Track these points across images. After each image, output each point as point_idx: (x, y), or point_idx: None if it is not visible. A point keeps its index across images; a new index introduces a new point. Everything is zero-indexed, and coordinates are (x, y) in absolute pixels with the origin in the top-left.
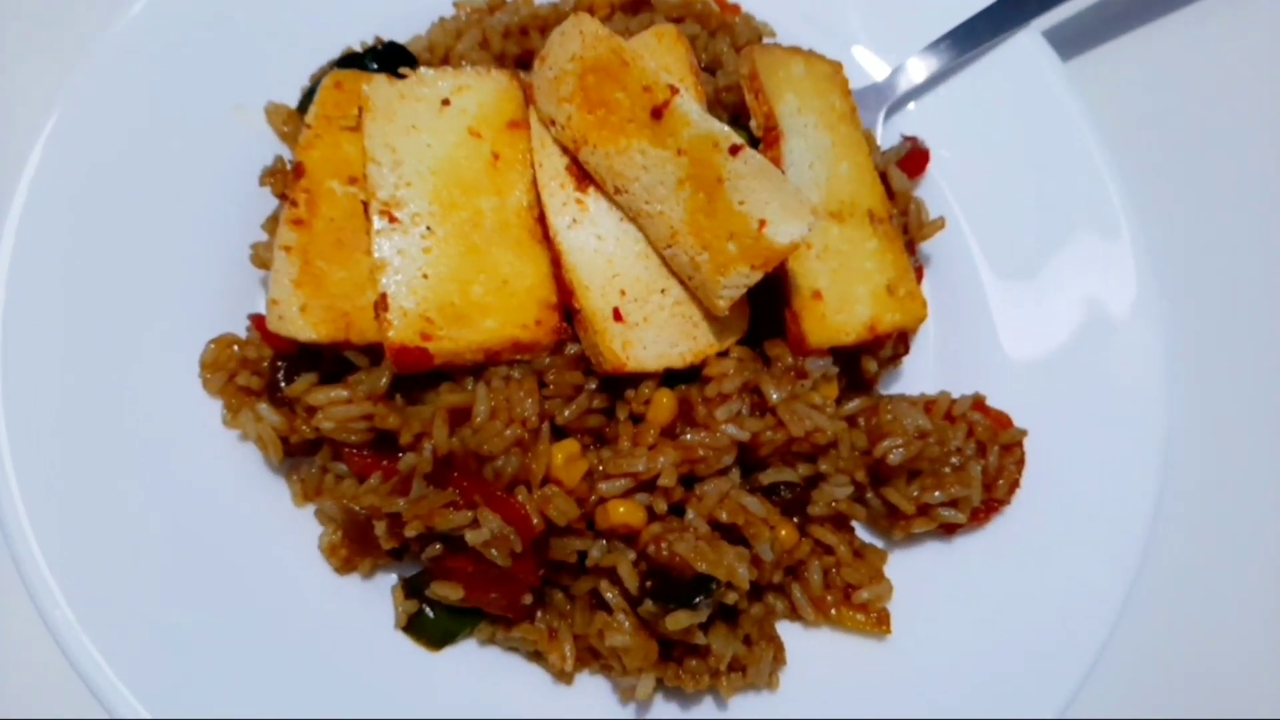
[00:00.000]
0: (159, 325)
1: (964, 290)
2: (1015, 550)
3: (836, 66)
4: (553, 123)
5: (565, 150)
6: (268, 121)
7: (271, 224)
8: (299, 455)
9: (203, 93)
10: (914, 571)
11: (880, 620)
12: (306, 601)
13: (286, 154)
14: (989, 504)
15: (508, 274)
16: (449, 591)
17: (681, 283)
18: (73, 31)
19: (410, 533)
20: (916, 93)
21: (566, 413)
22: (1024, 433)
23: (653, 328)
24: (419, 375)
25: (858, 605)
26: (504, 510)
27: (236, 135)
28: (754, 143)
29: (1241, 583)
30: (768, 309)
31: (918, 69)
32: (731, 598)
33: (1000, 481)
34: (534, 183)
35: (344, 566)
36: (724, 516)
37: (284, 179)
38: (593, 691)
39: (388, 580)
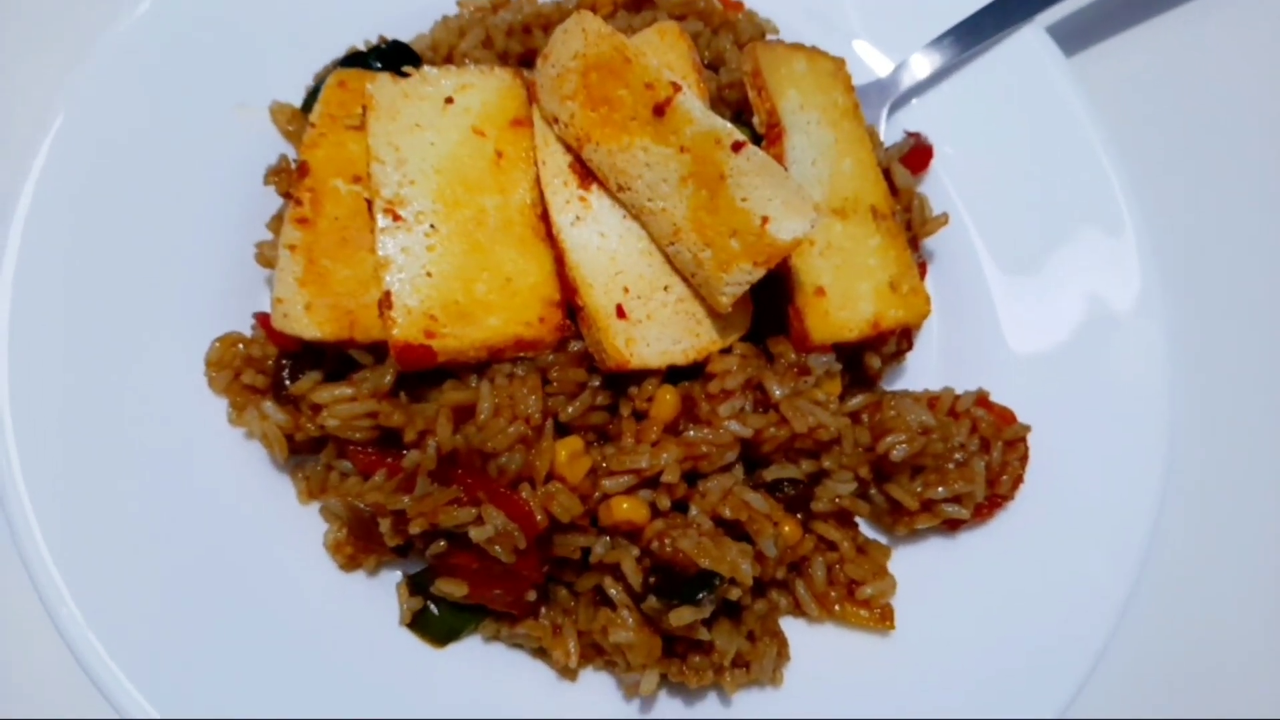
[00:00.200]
0: (164, 324)
1: (967, 286)
2: (1018, 546)
3: (839, 63)
4: (556, 120)
5: (568, 148)
6: (272, 120)
7: (276, 223)
8: (304, 453)
9: (207, 92)
10: (917, 567)
11: (884, 616)
12: (311, 599)
13: (291, 153)
14: (992, 500)
15: (511, 272)
16: (453, 588)
17: (684, 280)
18: (75, 31)
19: (414, 530)
20: (920, 89)
21: (570, 410)
22: (1027, 428)
23: (656, 325)
24: (423, 373)
25: (861, 601)
26: (508, 507)
27: (241, 134)
28: (757, 140)
29: (1245, 580)
30: (771, 305)
31: (921, 65)
32: (735, 594)
33: (1004, 477)
34: (537, 180)
35: (349, 564)
36: (727, 513)
37: (288, 178)
38: (597, 688)
39: (392, 577)
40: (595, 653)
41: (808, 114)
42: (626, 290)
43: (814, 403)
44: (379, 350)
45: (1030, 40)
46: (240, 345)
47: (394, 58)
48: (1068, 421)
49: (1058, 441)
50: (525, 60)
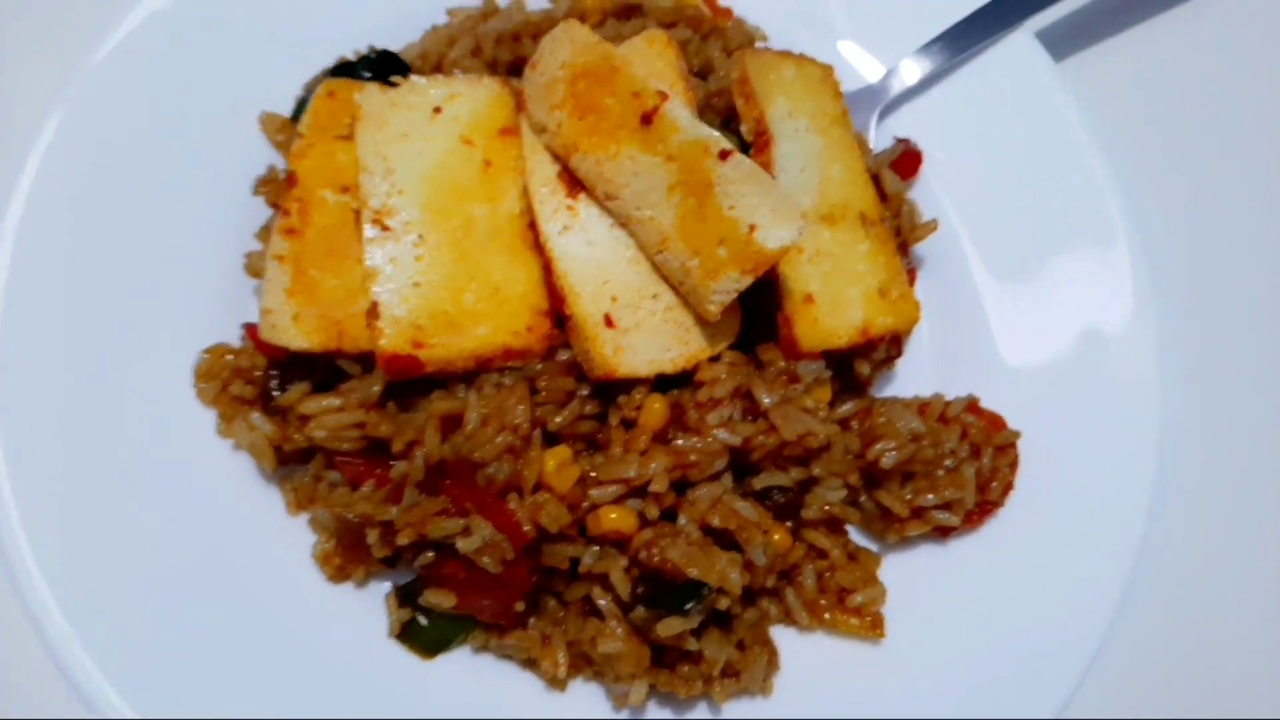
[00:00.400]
0: (153, 334)
1: (958, 292)
2: (1009, 553)
3: (828, 70)
4: (544, 129)
5: (556, 157)
6: (262, 130)
7: (265, 233)
8: (292, 464)
9: (197, 102)
10: (908, 575)
11: (874, 624)
12: (300, 610)
13: (280, 163)
14: (983, 506)
15: (499, 281)
16: (441, 599)
17: (673, 288)
18: (67, 42)
19: (402, 541)
20: (909, 95)
21: (558, 419)
22: (1018, 435)
23: (644, 333)
24: (411, 383)
25: (852, 609)
26: (496, 517)
27: (231, 144)
28: (745, 148)
29: (1238, 587)
30: (759, 313)
31: (911, 71)
32: (724, 603)
33: (994, 484)
34: (525, 189)
35: (337, 575)
36: (716, 521)
37: (277, 188)
38: (586, 698)
39: (381, 588)
40: (585, 663)
41: (796, 121)
42: (614, 299)
43: (803, 410)
44: (367, 360)
45: (1020, 45)
46: (229, 356)
47: (383, 67)
48: (1059, 427)
49: (1048, 447)
50: (514, 69)
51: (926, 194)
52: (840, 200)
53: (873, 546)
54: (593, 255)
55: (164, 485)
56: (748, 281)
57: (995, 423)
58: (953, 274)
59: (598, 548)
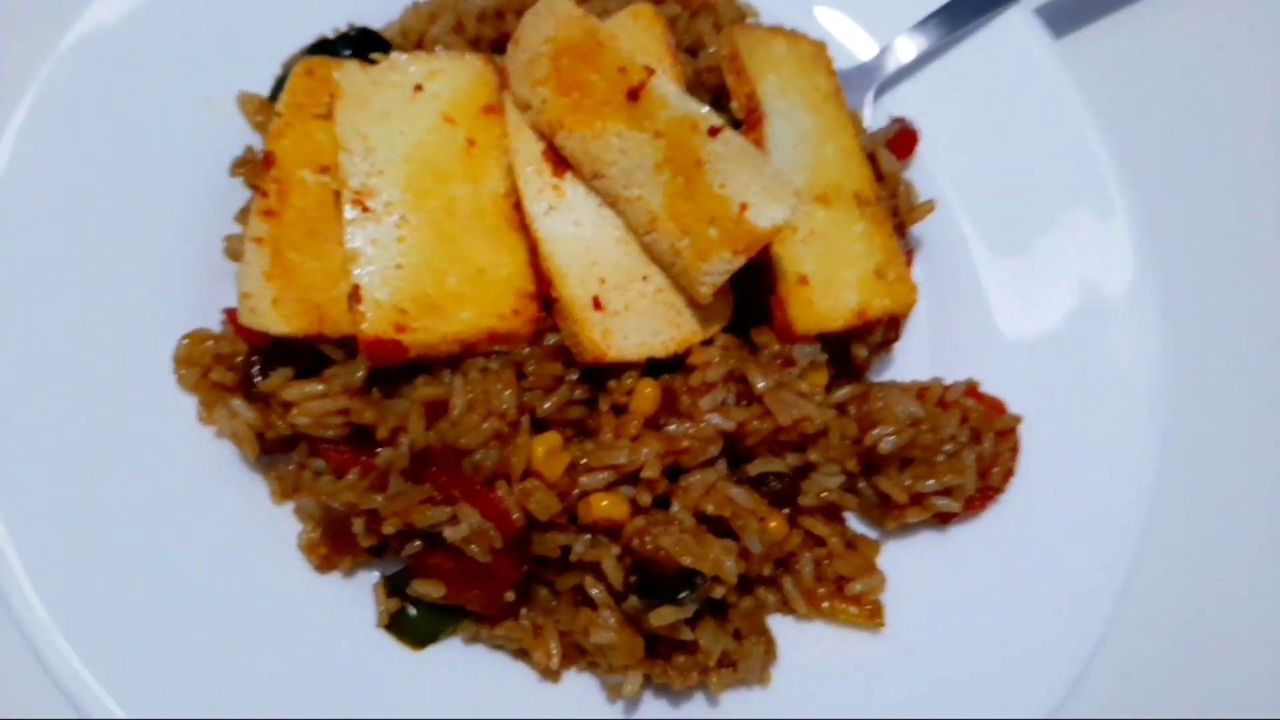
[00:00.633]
0: (131, 320)
1: (956, 274)
2: (1010, 540)
3: (820, 46)
4: (527, 107)
5: (541, 135)
6: (240, 111)
7: (244, 216)
8: (277, 452)
9: (174, 83)
10: (907, 562)
11: (873, 613)
12: (286, 601)
13: (260, 144)
14: (983, 492)
15: (484, 263)
16: (430, 589)
17: (663, 270)
18: (39, 22)
19: (388, 530)
20: (905, 72)
21: (547, 405)
22: (1018, 419)
23: (634, 316)
24: (396, 368)
25: (850, 598)
26: (483, 505)
27: (209, 126)
28: (736, 125)
29: (1241, 573)
30: (753, 295)
31: (906, 48)
32: (719, 592)
33: (995, 469)
34: (510, 169)
35: (324, 565)
36: (710, 509)
37: (255, 169)
38: (579, 690)
39: (369, 578)
40: (578, 653)
41: (788, 98)
42: (603, 281)
43: (799, 394)
44: (350, 345)
45: (1018, 22)
46: (209, 342)
47: (363, 45)
48: (1060, 412)
49: (1050, 432)
50: (498, 46)
51: (924, 174)
52: (835, 180)
53: (871, 534)
54: (580, 236)
55: (145, 474)
56: (740, 262)
57: (996, 407)
58: (951, 255)
59: (589, 536)
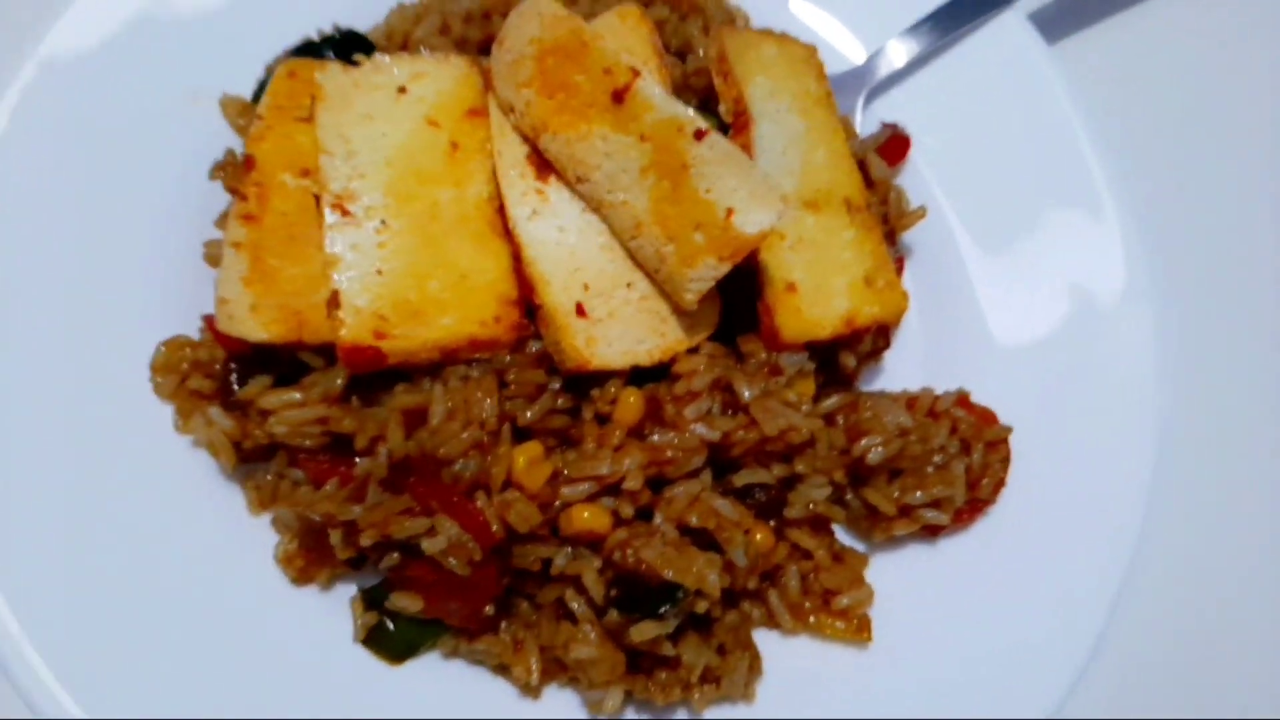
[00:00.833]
0: (108, 326)
1: (947, 282)
2: (1001, 553)
3: (811, 50)
4: (511, 109)
5: (525, 138)
6: (222, 114)
7: (225, 221)
8: (255, 461)
9: (156, 85)
10: (896, 576)
11: (861, 627)
12: (262, 613)
13: (241, 148)
14: (973, 504)
15: (466, 268)
16: (409, 602)
17: (648, 276)
18: (18, 22)
19: (366, 541)
20: (897, 77)
21: (528, 413)
22: (1009, 430)
23: (618, 323)
24: (376, 376)
25: (837, 612)
26: (462, 516)
27: (191, 129)
28: (724, 129)
29: (1238, 583)
30: (740, 302)
31: (898, 52)
32: (702, 606)
33: (985, 481)
34: (494, 173)
35: (301, 577)
36: (694, 520)
37: (235, 172)
38: (560, 705)
39: (347, 591)
40: (559, 668)
41: (777, 101)
42: (586, 287)
43: (785, 404)
44: (330, 353)
45: (1011, 27)
46: (187, 349)
47: (347, 46)
48: (1052, 421)
49: (1042, 442)
50: (484, 48)
51: (915, 180)
52: (824, 185)
53: (859, 546)
54: (563, 241)
55: (120, 483)
56: (726, 268)
57: (986, 417)
58: (942, 263)
59: (570, 548)
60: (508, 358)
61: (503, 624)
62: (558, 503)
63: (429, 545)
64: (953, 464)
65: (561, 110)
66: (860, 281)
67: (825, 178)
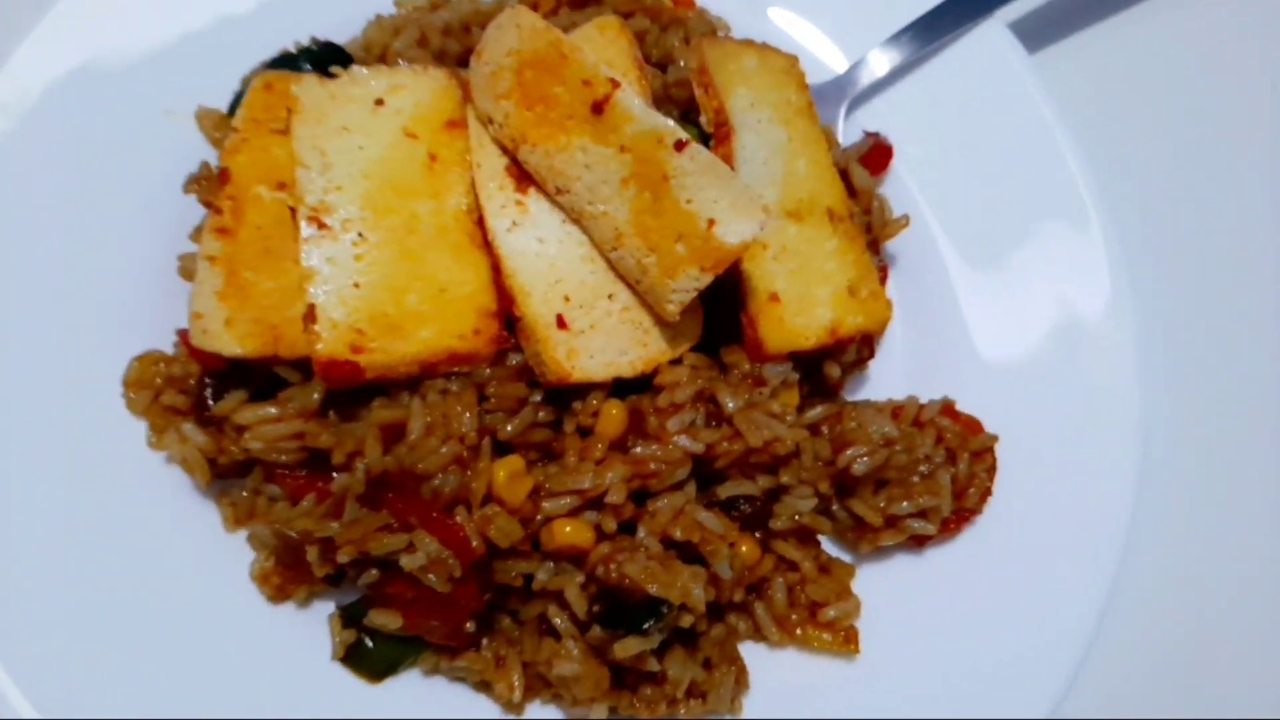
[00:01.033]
0: (80, 341)
1: (931, 291)
2: (988, 562)
3: (793, 60)
4: (490, 121)
5: (504, 150)
6: (198, 127)
7: (199, 234)
8: (230, 477)
9: (132, 98)
10: (883, 587)
11: (848, 639)
12: (238, 632)
13: (217, 161)
14: (960, 514)
15: (445, 281)
16: (388, 620)
17: (630, 287)
18: None
19: (343, 558)
20: (878, 87)
21: (509, 427)
22: (995, 438)
23: (600, 335)
24: (354, 391)
25: (824, 623)
26: (441, 532)
27: (166, 142)
28: (705, 140)
29: (1224, 587)
30: (723, 314)
31: (879, 62)
32: (687, 620)
33: (971, 490)
34: (473, 185)
35: (278, 595)
36: (679, 534)
37: (210, 185)
38: None
39: (325, 608)
40: (542, 685)
41: (759, 112)
42: (567, 299)
43: (770, 415)
44: (307, 367)
45: (992, 36)
46: (161, 364)
47: (325, 59)
48: (1038, 430)
49: (1027, 451)
50: (463, 60)
51: (898, 189)
52: (806, 195)
53: (846, 557)
54: (544, 253)
55: (93, 499)
56: (708, 279)
57: (972, 426)
58: (926, 272)
59: (552, 563)
60: (488, 371)
61: (484, 640)
62: (539, 517)
63: (408, 562)
64: (939, 473)
65: (541, 122)
66: (844, 291)
67: (808, 188)
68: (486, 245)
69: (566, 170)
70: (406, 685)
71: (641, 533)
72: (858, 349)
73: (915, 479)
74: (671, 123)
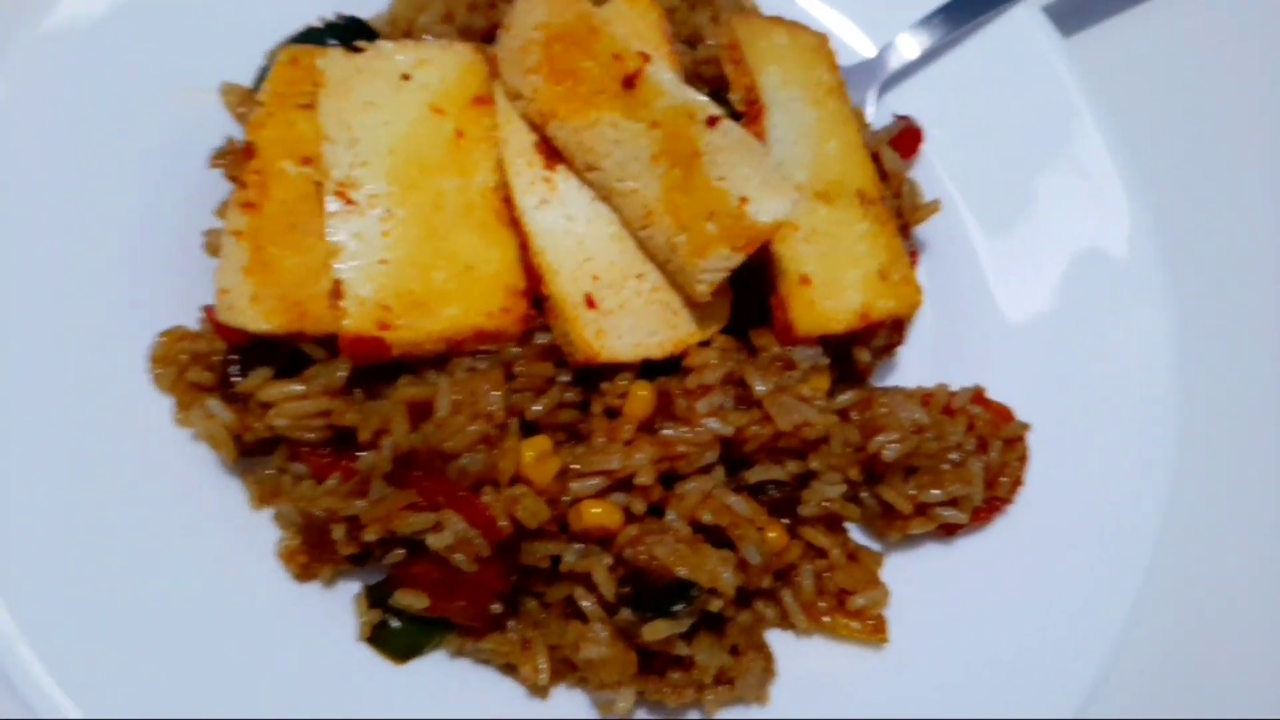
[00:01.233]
0: (107, 317)
1: (961, 276)
2: (1019, 552)
3: (822, 38)
4: (518, 96)
5: (533, 125)
6: (222, 102)
7: (225, 209)
8: (256, 455)
9: (156, 71)
10: (912, 575)
11: (876, 628)
12: (264, 611)
13: (241, 136)
14: (991, 503)
15: (472, 259)
16: (413, 600)
17: (659, 267)
18: (14, 5)
19: (369, 537)
20: (909, 70)
21: (536, 407)
22: (1027, 427)
23: (629, 315)
24: (380, 368)
25: (852, 612)
26: (468, 512)
27: (190, 117)
28: (735, 117)
29: (1261, 581)
30: (752, 295)
31: (909, 45)
32: (716, 605)
33: (1002, 479)
34: (500, 162)
35: (303, 573)
36: (707, 517)
37: (235, 160)
38: (569, 706)
39: (351, 588)
40: (568, 668)
41: (790, 91)
42: (596, 278)
43: (799, 399)
44: (332, 344)
45: (1024, 19)
46: (187, 340)
47: (350, 34)
48: (1069, 419)
49: (1059, 440)
50: (489, 36)
51: (928, 174)
52: (837, 176)
53: (874, 545)
54: (572, 231)
55: (119, 477)
56: (738, 259)
57: (1002, 414)
58: (956, 257)
59: (580, 545)
60: (515, 350)
61: (510, 622)
62: (567, 498)
63: (434, 541)
64: (970, 462)
65: (570, 97)
66: (875, 275)
67: (838, 169)
68: (513, 223)
69: (596, 146)
70: (432, 666)
71: (670, 515)
72: (887, 334)
73: (945, 467)
74: (704, 98)
